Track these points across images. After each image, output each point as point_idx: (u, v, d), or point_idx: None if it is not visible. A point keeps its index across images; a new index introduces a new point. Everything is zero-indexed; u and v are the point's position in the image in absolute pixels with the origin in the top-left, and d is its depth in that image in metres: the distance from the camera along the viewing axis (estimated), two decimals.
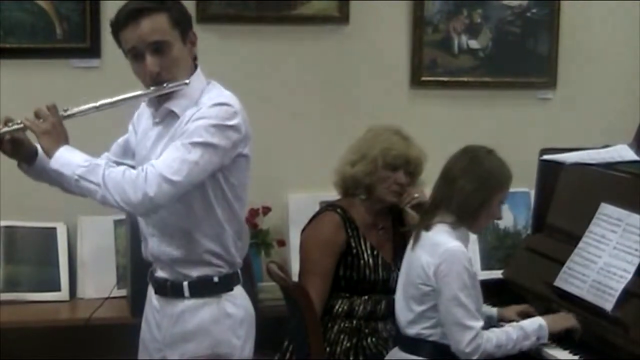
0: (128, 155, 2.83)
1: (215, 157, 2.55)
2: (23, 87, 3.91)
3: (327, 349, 3.34)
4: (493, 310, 3.27)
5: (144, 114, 2.78)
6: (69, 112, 2.61)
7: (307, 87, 4.21)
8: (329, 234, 3.42)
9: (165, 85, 2.60)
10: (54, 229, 3.92)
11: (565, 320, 3.07)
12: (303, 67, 4.20)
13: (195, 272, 2.68)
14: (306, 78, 4.21)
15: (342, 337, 3.38)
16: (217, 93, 2.65)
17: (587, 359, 2.96)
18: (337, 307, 3.41)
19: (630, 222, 3.08)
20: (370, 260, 3.43)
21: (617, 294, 2.96)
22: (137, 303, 3.59)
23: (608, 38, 4.46)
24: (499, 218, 3.14)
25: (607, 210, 3.18)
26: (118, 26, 2.62)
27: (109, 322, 3.66)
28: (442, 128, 4.28)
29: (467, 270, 2.95)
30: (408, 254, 3.14)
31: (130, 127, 2.84)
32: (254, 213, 4.02)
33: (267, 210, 4.09)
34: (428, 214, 3.10)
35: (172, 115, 2.64)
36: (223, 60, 3.96)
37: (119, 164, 2.72)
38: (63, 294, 3.87)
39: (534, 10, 4.39)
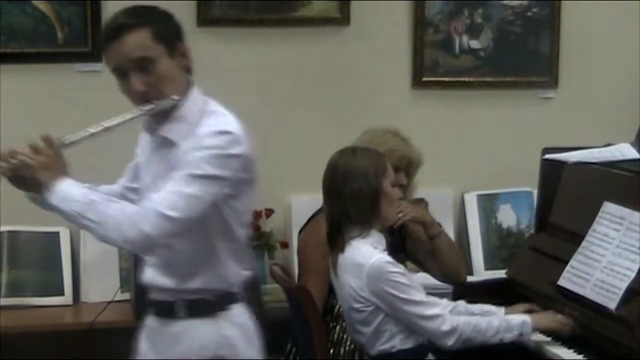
0: (140, 180, 2.70)
1: (215, 188, 2.44)
2: (25, 92, 3.92)
3: (331, 350, 3.34)
4: (501, 311, 3.25)
5: (145, 137, 2.66)
6: (66, 141, 2.48)
7: (308, 88, 4.21)
8: (326, 235, 3.42)
9: (154, 103, 2.48)
10: (57, 233, 3.91)
11: (551, 318, 3.07)
12: (304, 69, 4.20)
13: (191, 297, 2.58)
14: (307, 80, 4.21)
15: (345, 337, 3.37)
16: (217, 120, 2.51)
17: (591, 359, 2.96)
18: (337, 306, 3.41)
19: (633, 221, 3.07)
20: None
21: (621, 292, 2.95)
22: (140, 306, 3.60)
23: (609, 36, 4.45)
24: (402, 198, 3.09)
25: (609, 208, 3.17)
26: (102, 47, 2.51)
27: (112, 326, 3.66)
28: (444, 128, 4.28)
29: (396, 273, 2.93)
30: (335, 283, 3.11)
31: (139, 151, 2.72)
32: (257, 215, 4.02)
33: (269, 212, 4.09)
34: (335, 237, 3.05)
35: (169, 143, 2.52)
36: (224, 63, 3.96)
37: (133, 189, 2.68)
38: (66, 298, 3.87)
39: (534, 10, 4.38)
